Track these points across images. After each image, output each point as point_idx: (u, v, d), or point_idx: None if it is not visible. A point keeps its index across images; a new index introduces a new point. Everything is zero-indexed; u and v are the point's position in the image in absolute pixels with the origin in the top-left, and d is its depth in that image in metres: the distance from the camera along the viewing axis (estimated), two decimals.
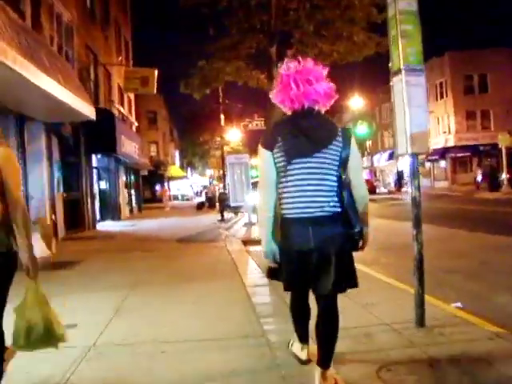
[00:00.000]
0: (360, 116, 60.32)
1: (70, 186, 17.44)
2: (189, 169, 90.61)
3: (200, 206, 33.21)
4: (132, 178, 31.64)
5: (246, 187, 18.82)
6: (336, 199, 3.19)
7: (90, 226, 18.46)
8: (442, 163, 53.89)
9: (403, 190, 52.85)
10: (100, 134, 18.38)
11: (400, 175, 56.69)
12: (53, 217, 14.18)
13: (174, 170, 69.10)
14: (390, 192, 51.80)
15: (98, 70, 21.79)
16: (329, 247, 3.11)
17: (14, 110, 11.95)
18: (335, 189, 3.20)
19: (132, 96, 31.93)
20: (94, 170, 22.57)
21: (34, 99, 11.08)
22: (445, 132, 51.44)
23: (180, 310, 5.73)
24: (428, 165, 56.24)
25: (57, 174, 15.57)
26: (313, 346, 3.53)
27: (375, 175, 70.73)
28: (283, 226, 3.23)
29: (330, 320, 3.25)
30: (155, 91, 22.84)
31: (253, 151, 66.76)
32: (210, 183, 74.17)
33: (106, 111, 19.66)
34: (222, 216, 21.34)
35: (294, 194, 3.19)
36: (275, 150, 3.21)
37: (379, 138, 68.44)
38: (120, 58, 26.59)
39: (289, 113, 3.35)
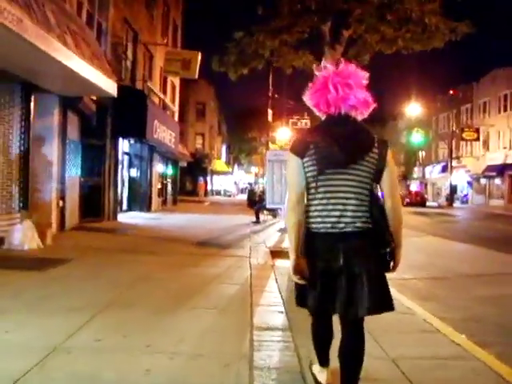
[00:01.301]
0: (416, 123, 57.72)
1: (90, 170, 15.80)
2: (235, 165, 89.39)
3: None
4: (169, 168, 30.01)
5: (286, 188, 16.74)
6: (368, 214, 2.98)
7: (110, 216, 16.78)
8: (499, 180, 50.36)
9: (455, 205, 50.02)
10: (129, 116, 16.72)
11: (453, 190, 53.46)
12: (60, 203, 12.51)
13: (219, 164, 67.78)
14: (440, 206, 48.64)
15: (138, 48, 20.16)
16: (359, 266, 2.88)
17: (21, 76, 10.27)
18: (367, 203, 2.99)
19: (177, 82, 30.31)
20: (125, 156, 21.01)
21: (39, 64, 9.36)
22: (505, 147, 47.92)
23: (141, 363, 3.78)
24: (484, 181, 53.05)
25: (73, 156, 13.90)
26: (333, 367, 3.24)
27: (425, 187, 67.52)
28: (310, 242, 2.99)
29: (357, 346, 3.00)
30: (197, 76, 21.03)
31: None
32: (255, 182, 72.60)
33: (137, 92, 17.96)
34: (257, 218, 19.33)
35: (323, 207, 2.97)
36: (306, 159, 2.99)
37: (433, 149, 65.24)
38: (165, 41, 24.95)
39: (323, 117, 3.13)
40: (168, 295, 6.17)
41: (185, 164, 33.77)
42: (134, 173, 22.09)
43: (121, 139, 18.95)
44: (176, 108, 30.56)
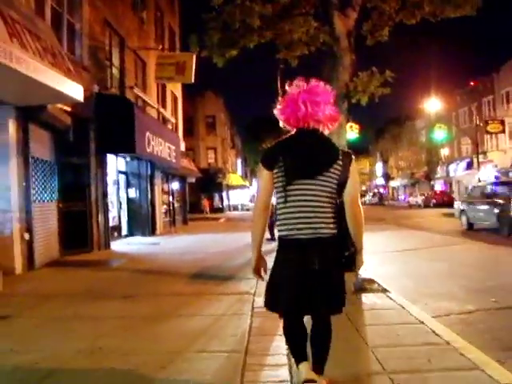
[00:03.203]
0: (436, 121, 55.03)
1: (72, 193, 13.58)
2: (252, 178, 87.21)
3: None
4: (175, 185, 27.77)
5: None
6: (333, 221, 3.22)
7: (101, 246, 14.52)
8: None
9: None
10: (116, 128, 14.53)
11: None
12: (25, 235, 10.27)
13: (235, 178, 65.58)
14: None
15: (126, 55, 18.00)
16: (326, 269, 3.15)
17: None
18: (333, 211, 3.23)
19: (178, 93, 28.17)
20: (121, 176, 18.80)
21: None
22: None
23: None
24: None
25: (43, 178, 11.68)
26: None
27: (450, 186, 64.41)
28: (282, 247, 3.28)
29: (327, 332, 3.37)
30: (193, 80, 18.72)
31: None
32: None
33: (122, 100, 15.73)
34: (272, 234, 16.90)
35: (293, 215, 3.20)
36: (275, 170, 3.22)
37: (455, 146, 62.27)
38: (160, 47, 22.81)
39: (292, 131, 3.35)
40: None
41: (193, 180, 31.46)
42: (133, 193, 19.82)
43: (111, 156, 16.76)
44: (180, 120, 28.42)
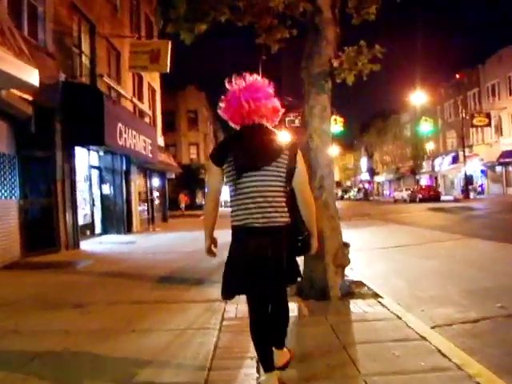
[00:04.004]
0: (421, 114, 54.47)
1: (35, 189, 12.56)
2: None
3: None
4: (154, 181, 26.73)
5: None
6: (285, 209, 3.35)
7: (70, 245, 13.49)
8: None
9: (471, 197, 46.42)
10: (83, 118, 13.50)
11: (468, 180, 49.76)
12: None
13: None
14: (456, 200, 45.01)
15: (97, 42, 16.93)
16: (278, 254, 3.30)
17: None
18: (284, 200, 3.37)
19: (157, 85, 27.09)
20: (94, 171, 17.75)
21: None
22: None
23: None
24: (499, 169, 49.44)
25: (2, 173, 10.66)
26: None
27: (436, 181, 63.96)
28: (237, 236, 3.41)
29: (283, 309, 3.64)
30: (168, 69, 17.67)
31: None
32: None
33: (89, 88, 14.70)
34: None
35: (245, 206, 3.32)
36: (225, 165, 3.37)
37: (441, 140, 61.79)
38: (135, 38, 21.69)
39: (237, 127, 3.49)
40: None
41: (173, 176, 30.39)
42: (107, 189, 18.76)
43: (81, 150, 15.73)
44: (158, 114, 27.35)
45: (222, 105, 3.50)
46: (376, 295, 6.41)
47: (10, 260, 10.80)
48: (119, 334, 5.01)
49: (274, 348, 3.56)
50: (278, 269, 3.32)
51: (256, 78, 3.48)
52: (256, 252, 3.29)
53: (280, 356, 3.69)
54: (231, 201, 3.41)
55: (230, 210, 3.42)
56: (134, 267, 9.93)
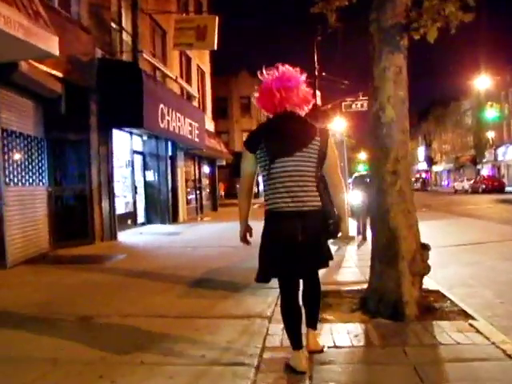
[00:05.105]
0: (486, 99, 51.32)
1: (69, 176, 11.51)
2: None
3: None
4: (204, 169, 25.59)
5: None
6: (316, 193, 3.46)
7: (106, 236, 12.41)
8: None
9: None
10: (120, 98, 12.34)
11: None
12: None
13: None
14: None
15: (139, 18, 15.72)
16: (311, 237, 3.41)
17: None
18: (315, 184, 3.47)
19: (206, 68, 25.86)
20: (137, 156, 16.68)
21: None
22: None
23: None
24: None
25: (23, 156, 9.61)
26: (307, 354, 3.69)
27: (499, 171, 60.37)
28: (271, 219, 3.52)
29: (315, 289, 3.77)
30: (215, 47, 16.31)
31: (360, 143, 59.48)
32: None
33: (127, 65, 13.50)
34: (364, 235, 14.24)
35: (276, 190, 3.44)
36: (258, 151, 3.50)
37: (505, 128, 58.14)
38: (184, 15, 20.39)
39: (270, 115, 3.65)
40: None
41: (223, 163, 29.09)
42: (151, 176, 17.65)
43: (122, 133, 14.68)
44: (208, 98, 26.11)
45: (256, 94, 3.66)
46: (464, 313, 4.88)
47: (37, 253, 9.76)
48: (122, 366, 3.70)
49: (307, 328, 3.80)
50: (309, 252, 3.43)
51: (288, 68, 3.58)
52: (286, 235, 3.40)
53: (312, 339, 3.82)
54: (264, 186, 3.55)
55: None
56: (167, 265, 8.66)
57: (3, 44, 7.06)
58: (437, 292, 5.77)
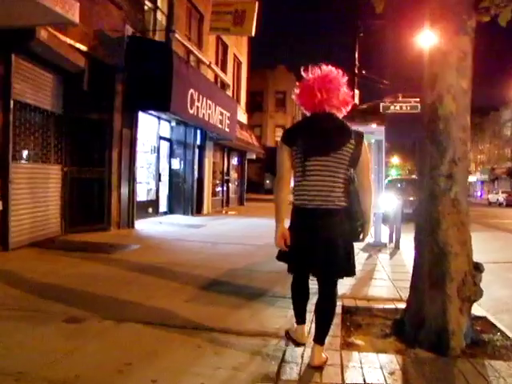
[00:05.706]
0: None
1: (87, 157, 10.85)
2: None
3: None
4: (233, 161, 24.84)
5: (376, 182, 10.68)
6: (343, 194, 3.49)
7: (122, 224, 11.74)
8: None
9: None
10: (148, 79, 11.65)
11: None
12: None
13: None
14: None
15: (177, 1, 14.97)
16: (336, 237, 3.41)
17: None
18: (343, 185, 3.49)
19: (243, 58, 25.08)
20: (163, 143, 16.01)
21: None
22: None
23: None
24: None
25: (43, 133, 8.95)
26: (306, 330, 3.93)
27: None
28: (298, 216, 3.54)
29: (328, 302, 3.58)
30: (253, 33, 15.45)
31: (393, 147, 57.94)
32: None
33: (157, 44, 12.75)
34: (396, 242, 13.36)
35: (310, 188, 3.46)
36: (294, 147, 3.51)
37: None
38: None
39: (308, 114, 3.64)
40: None
41: (253, 156, 28.24)
42: (177, 164, 16.95)
43: (148, 117, 14.02)
44: (243, 89, 25.32)
45: (296, 91, 3.68)
46: None
47: (45, 236, 9.13)
48: None
49: (314, 343, 3.61)
50: (329, 253, 3.39)
51: (331, 69, 3.58)
52: (307, 231, 3.43)
53: (317, 353, 3.59)
54: (296, 181, 3.57)
55: None
56: (181, 261, 7.89)
57: (16, 5, 6.38)
58: (483, 319, 4.91)
